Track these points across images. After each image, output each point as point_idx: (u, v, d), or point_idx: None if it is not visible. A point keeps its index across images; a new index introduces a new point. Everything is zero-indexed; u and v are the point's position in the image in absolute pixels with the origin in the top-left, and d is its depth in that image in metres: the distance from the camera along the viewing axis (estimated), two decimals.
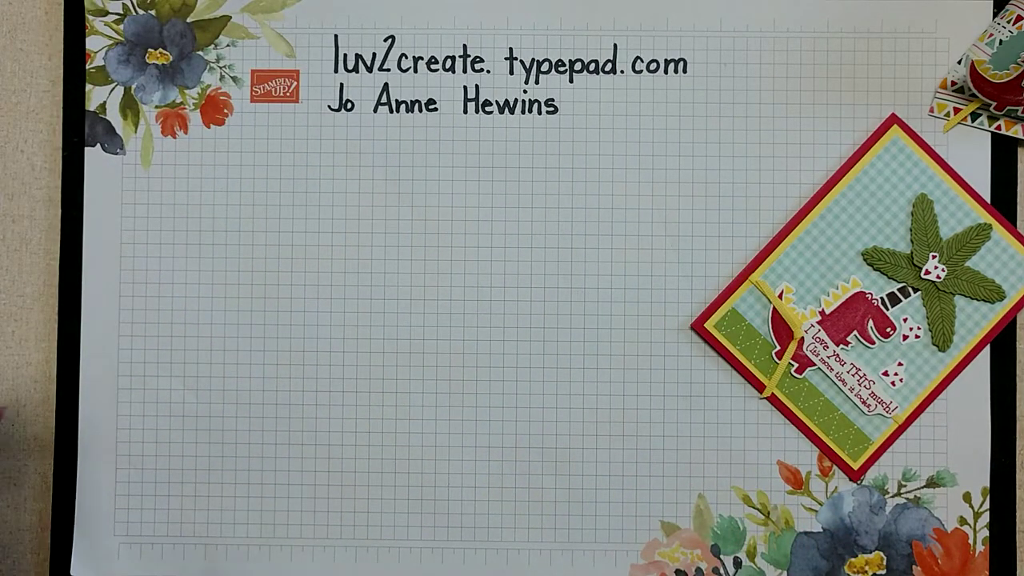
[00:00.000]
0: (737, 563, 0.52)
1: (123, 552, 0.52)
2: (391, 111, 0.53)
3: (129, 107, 0.53)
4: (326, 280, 0.52)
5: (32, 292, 0.53)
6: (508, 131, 0.52)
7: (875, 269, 0.52)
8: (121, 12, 0.53)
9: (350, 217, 0.52)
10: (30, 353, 0.53)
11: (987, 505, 0.51)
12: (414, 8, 0.53)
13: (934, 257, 0.51)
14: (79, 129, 0.52)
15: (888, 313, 0.52)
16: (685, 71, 0.52)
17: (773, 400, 0.52)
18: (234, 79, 0.53)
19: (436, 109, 0.53)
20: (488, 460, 0.52)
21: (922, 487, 0.52)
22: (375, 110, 0.53)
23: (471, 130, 0.53)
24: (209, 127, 0.53)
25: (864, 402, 0.51)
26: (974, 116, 0.52)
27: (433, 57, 0.53)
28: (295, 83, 0.53)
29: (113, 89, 0.53)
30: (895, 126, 0.52)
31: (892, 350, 0.52)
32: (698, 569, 0.52)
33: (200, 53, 0.53)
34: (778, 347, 0.52)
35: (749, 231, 0.52)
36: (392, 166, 0.53)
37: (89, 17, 0.53)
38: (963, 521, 0.52)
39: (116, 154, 0.53)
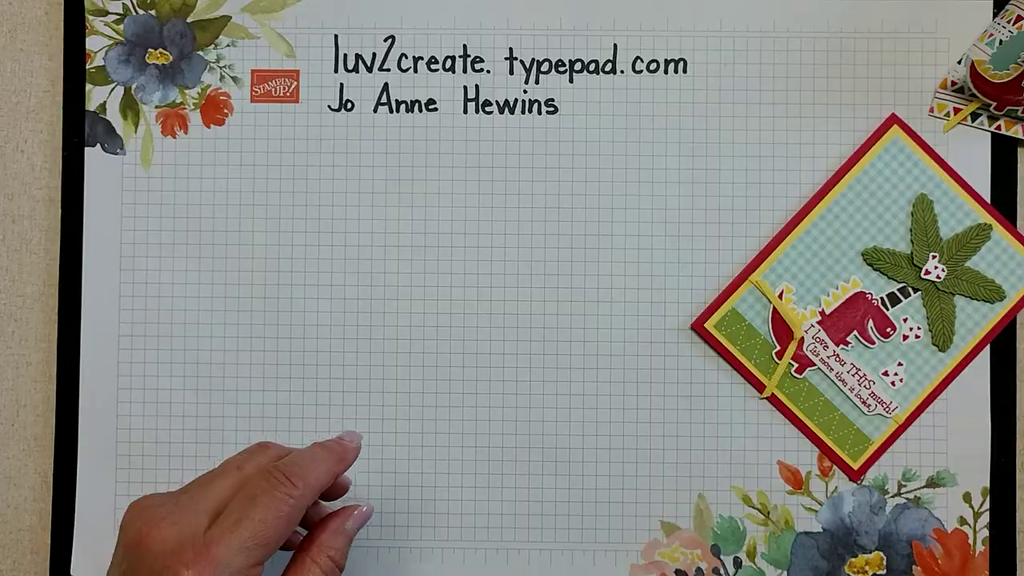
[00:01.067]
0: (737, 563, 0.52)
1: None
2: (391, 111, 0.53)
3: (129, 107, 0.53)
4: (326, 280, 0.52)
5: (32, 292, 0.53)
6: (508, 131, 0.52)
7: (875, 269, 0.52)
8: (121, 12, 0.53)
9: (350, 217, 0.52)
10: (30, 353, 0.53)
11: (987, 505, 0.51)
12: (414, 8, 0.53)
13: (934, 257, 0.51)
14: (79, 129, 0.52)
15: (888, 313, 0.52)
16: (685, 71, 0.52)
17: (773, 400, 0.52)
18: (234, 79, 0.53)
19: (436, 109, 0.53)
20: (488, 460, 0.52)
21: (922, 487, 0.52)
22: (375, 110, 0.53)
23: (471, 130, 0.53)
24: (209, 127, 0.53)
25: (864, 402, 0.51)
26: (974, 116, 0.52)
27: (433, 57, 0.53)
28: (295, 83, 0.53)
29: (113, 89, 0.53)
30: (895, 126, 0.52)
31: (892, 350, 0.52)
32: (698, 569, 0.52)
33: (200, 53, 0.53)
34: (778, 347, 0.52)
35: (749, 231, 0.52)
36: (392, 166, 0.53)
37: (89, 17, 0.53)
38: (963, 521, 0.52)
39: (116, 154, 0.53)
